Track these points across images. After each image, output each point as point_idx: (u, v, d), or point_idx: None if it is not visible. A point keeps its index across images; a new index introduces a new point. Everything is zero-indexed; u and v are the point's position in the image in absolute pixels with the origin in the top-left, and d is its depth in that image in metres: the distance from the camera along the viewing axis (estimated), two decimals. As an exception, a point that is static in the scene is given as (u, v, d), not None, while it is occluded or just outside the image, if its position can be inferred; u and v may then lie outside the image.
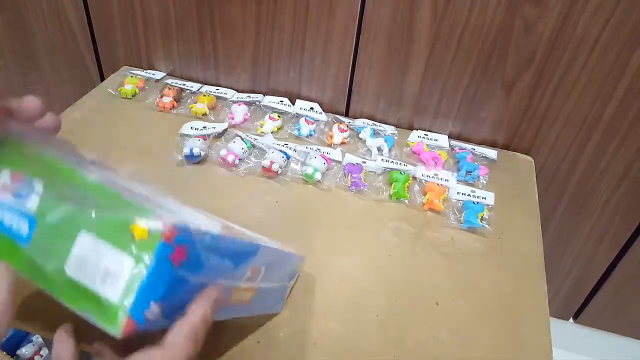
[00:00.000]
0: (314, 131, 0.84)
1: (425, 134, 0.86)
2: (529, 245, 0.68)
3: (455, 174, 0.78)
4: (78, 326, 0.33)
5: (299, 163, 0.76)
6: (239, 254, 0.36)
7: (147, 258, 0.27)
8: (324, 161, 0.75)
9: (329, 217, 0.69)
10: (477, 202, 0.71)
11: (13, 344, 1.02)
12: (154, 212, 0.28)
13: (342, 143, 0.83)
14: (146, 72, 0.97)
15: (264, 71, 0.91)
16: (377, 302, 0.58)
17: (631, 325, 1.05)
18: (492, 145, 0.87)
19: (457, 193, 0.74)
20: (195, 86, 0.93)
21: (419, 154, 0.81)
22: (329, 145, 0.82)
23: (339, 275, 0.61)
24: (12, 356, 1.01)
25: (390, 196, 0.73)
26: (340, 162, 0.78)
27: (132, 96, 0.89)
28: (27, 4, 0.95)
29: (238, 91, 0.94)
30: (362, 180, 0.74)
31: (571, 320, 1.09)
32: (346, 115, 0.91)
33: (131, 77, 0.92)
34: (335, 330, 0.54)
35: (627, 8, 0.68)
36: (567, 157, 0.85)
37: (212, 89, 0.93)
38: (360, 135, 0.83)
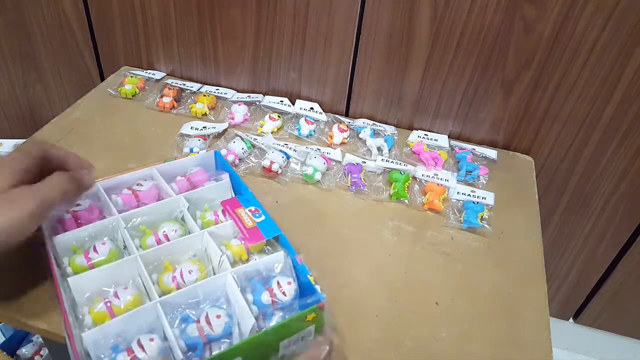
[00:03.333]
0: (314, 131, 0.84)
1: (425, 134, 0.86)
2: (529, 245, 0.68)
3: (455, 174, 0.78)
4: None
5: (299, 163, 0.76)
6: None
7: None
8: (324, 161, 0.75)
9: (329, 218, 0.69)
10: (477, 202, 0.72)
11: (13, 344, 1.02)
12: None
13: (342, 143, 0.83)
14: (146, 72, 0.97)
15: (264, 71, 0.91)
16: (377, 302, 0.58)
17: (631, 325, 1.05)
18: (492, 145, 0.87)
19: (457, 193, 0.74)
20: (195, 86, 0.93)
21: (419, 154, 0.81)
22: (329, 145, 0.82)
23: (339, 275, 0.61)
24: (12, 356, 1.01)
25: (390, 196, 0.73)
26: (340, 162, 0.78)
27: (132, 96, 0.90)
28: (27, 4, 0.95)
29: (238, 91, 0.94)
30: (362, 180, 0.74)
31: (571, 320, 1.09)
32: (346, 115, 0.91)
33: (131, 77, 0.92)
34: (335, 330, 0.54)
35: (626, 8, 0.68)
36: (567, 157, 0.85)
37: (212, 89, 0.93)
38: (360, 135, 0.83)
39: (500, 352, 0.54)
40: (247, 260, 0.51)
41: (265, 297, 0.45)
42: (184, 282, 0.47)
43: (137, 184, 0.57)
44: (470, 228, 0.69)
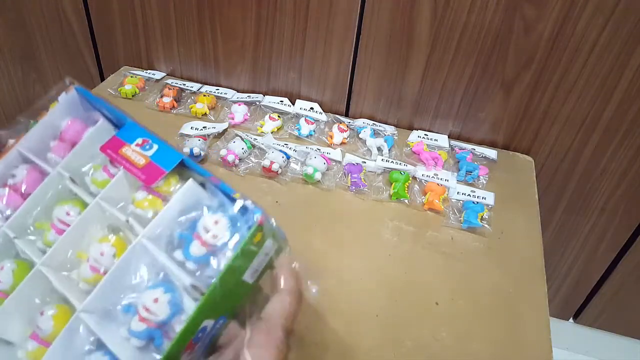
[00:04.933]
0: (314, 131, 0.84)
1: (425, 134, 0.86)
2: (529, 245, 0.68)
3: (455, 174, 0.78)
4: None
5: (299, 163, 0.76)
6: None
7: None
8: (324, 161, 0.75)
9: (329, 218, 0.69)
10: (477, 202, 0.72)
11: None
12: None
13: (342, 143, 0.83)
14: (146, 72, 0.97)
15: (264, 71, 0.91)
16: (377, 302, 0.58)
17: (631, 325, 1.05)
18: (492, 145, 0.87)
19: (457, 193, 0.74)
20: (195, 86, 0.93)
21: (419, 154, 0.81)
22: (329, 145, 0.82)
23: (339, 275, 0.61)
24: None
25: (390, 196, 0.73)
26: (340, 162, 0.78)
27: (132, 96, 0.90)
28: (27, 4, 0.95)
29: (238, 91, 0.94)
30: (362, 180, 0.74)
31: (571, 320, 1.09)
32: (346, 115, 0.91)
33: (131, 77, 0.92)
34: (335, 329, 0.54)
35: (626, 8, 0.68)
36: (567, 157, 0.85)
37: (212, 89, 0.93)
38: (360, 135, 0.83)
39: (500, 352, 0.54)
40: None
41: (196, 248, 0.37)
42: (103, 265, 0.39)
43: (11, 176, 0.45)
44: (470, 228, 0.69)
